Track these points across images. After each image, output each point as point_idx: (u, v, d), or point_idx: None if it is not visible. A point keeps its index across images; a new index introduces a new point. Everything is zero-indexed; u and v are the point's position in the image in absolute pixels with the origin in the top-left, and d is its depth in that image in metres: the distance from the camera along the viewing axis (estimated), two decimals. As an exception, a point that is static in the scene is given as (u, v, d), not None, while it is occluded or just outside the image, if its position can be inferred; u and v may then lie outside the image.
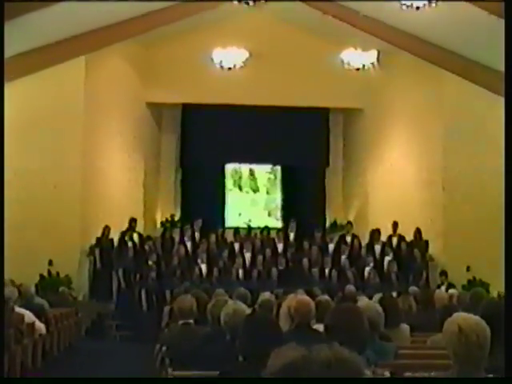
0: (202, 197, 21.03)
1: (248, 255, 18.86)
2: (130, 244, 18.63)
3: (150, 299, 17.80)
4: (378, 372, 4.44)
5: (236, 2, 16.13)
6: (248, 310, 5.91)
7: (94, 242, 18.44)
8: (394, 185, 19.92)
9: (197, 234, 19.55)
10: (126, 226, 18.80)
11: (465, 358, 3.74)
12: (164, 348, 6.72)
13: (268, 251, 19.04)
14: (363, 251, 19.25)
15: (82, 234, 18.11)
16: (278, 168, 22.39)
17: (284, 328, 5.48)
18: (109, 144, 19.53)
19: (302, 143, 21.11)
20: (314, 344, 1.90)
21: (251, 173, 22.41)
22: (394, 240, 19.26)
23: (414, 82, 19.45)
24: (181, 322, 6.84)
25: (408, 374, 4.84)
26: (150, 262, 18.24)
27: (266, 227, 20.48)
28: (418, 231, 18.83)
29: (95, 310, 17.66)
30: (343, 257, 19.02)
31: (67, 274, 17.62)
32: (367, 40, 18.12)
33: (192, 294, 7.98)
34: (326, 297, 8.05)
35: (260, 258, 18.64)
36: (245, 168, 22.32)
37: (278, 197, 22.37)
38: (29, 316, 10.74)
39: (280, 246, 19.44)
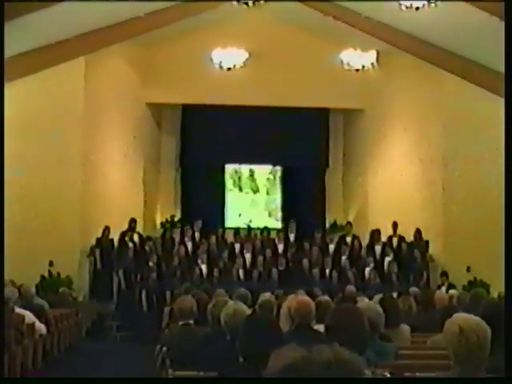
0: (202, 197, 21.03)
1: (248, 256, 18.84)
2: (130, 244, 18.62)
3: (150, 300, 17.80)
4: (378, 372, 4.43)
5: (235, 3, 16.14)
6: (248, 311, 5.91)
7: (94, 242, 18.44)
8: (393, 185, 19.91)
9: (197, 235, 19.54)
10: (126, 226, 18.81)
11: (465, 359, 3.74)
12: (164, 348, 6.72)
13: (268, 252, 19.02)
14: (363, 252, 19.24)
15: (82, 234, 18.11)
16: (278, 168, 22.36)
17: (284, 328, 5.47)
18: (109, 144, 19.54)
19: (302, 144, 21.09)
20: (314, 345, 1.90)
21: (251, 173, 22.39)
22: (395, 240, 19.24)
23: (414, 82, 19.44)
24: (181, 322, 6.85)
25: (408, 375, 4.84)
26: (150, 263, 18.23)
27: (266, 228, 20.44)
28: (418, 231, 18.82)
29: (95, 311, 17.67)
30: (343, 257, 19.01)
31: (68, 275, 17.63)
32: (367, 40, 18.14)
33: (192, 294, 7.99)
34: (327, 297, 8.03)
35: (260, 258, 18.63)
36: (245, 168, 22.30)
37: (278, 197, 22.35)
38: (29, 316, 10.74)
39: (280, 247, 19.43)
